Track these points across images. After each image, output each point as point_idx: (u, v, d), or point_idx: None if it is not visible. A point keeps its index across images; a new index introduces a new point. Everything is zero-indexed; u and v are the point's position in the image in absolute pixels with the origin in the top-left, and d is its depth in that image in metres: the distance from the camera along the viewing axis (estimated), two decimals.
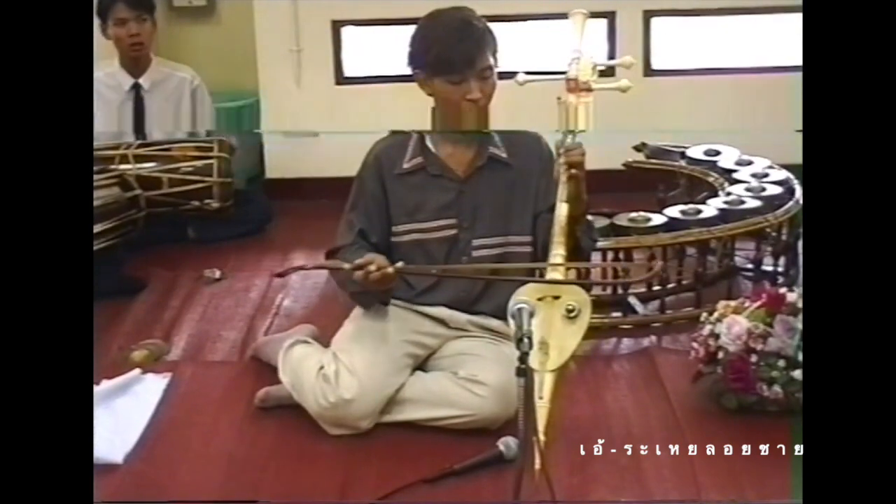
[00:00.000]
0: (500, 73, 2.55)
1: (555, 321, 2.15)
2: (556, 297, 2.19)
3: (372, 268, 2.38)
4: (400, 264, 2.43)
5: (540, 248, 2.60)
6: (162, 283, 3.61)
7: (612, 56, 4.36)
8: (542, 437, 2.02)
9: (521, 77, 2.66)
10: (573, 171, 2.40)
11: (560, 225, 2.39)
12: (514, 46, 3.76)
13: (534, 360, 2.07)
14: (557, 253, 2.36)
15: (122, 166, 3.85)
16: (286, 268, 2.77)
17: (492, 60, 2.52)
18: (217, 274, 3.66)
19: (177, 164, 3.94)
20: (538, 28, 4.44)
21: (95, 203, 3.46)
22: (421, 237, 2.63)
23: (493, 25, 2.57)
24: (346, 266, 2.42)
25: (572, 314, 2.16)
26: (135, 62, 4.00)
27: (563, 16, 2.68)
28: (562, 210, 2.41)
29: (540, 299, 2.16)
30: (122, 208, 3.71)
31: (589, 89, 2.50)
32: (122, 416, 2.65)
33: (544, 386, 2.08)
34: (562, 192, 2.42)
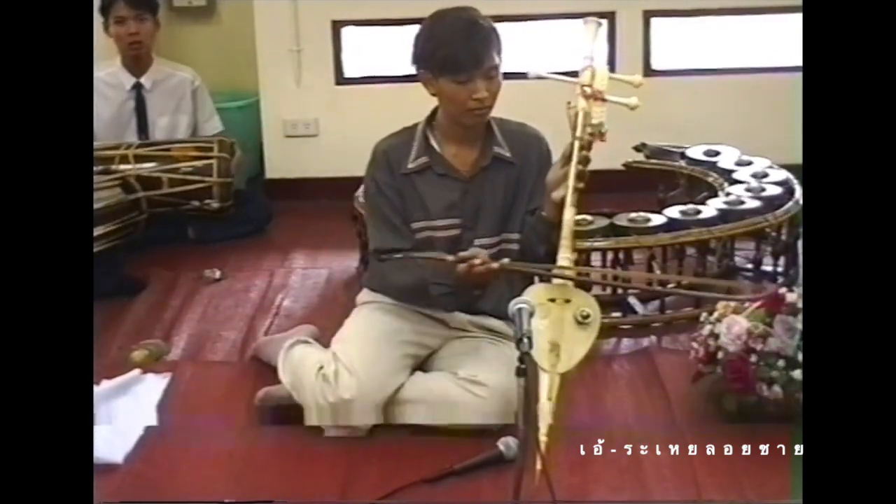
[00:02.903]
0: (506, 73, 2.54)
1: (566, 325, 2.16)
2: (568, 301, 2.19)
3: (477, 261, 2.37)
4: (506, 261, 2.41)
5: (520, 249, 2.59)
6: (162, 283, 3.61)
7: (612, 56, 4.36)
8: (544, 438, 2.03)
9: (532, 73, 2.64)
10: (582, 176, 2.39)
11: (569, 229, 2.39)
12: (516, 46, 3.76)
13: (544, 362, 2.08)
14: (565, 256, 2.36)
15: (122, 166, 3.85)
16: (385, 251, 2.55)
17: (497, 60, 2.51)
18: (217, 274, 3.66)
19: (177, 165, 3.94)
20: (538, 28, 4.44)
21: (98, 205, 3.47)
22: (431, 235, 2.62)
23: (496, 25, 2.57)
24: (450, 258, 2.40)
25: (586, 320, 2.16)
26: (136, 61, 4.00)
27: (566, 16, 2.69)
28: (569, 215, 2.40)
29: (552, 300, 2.16)
30: (125, 210, 3.71)
31: (604, 99, 2.49)
32: (122, 416, 2.66)
33: (553, 387, 2.08)
34: (570, 196, 2.41)
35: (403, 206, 2.61)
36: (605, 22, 2.73)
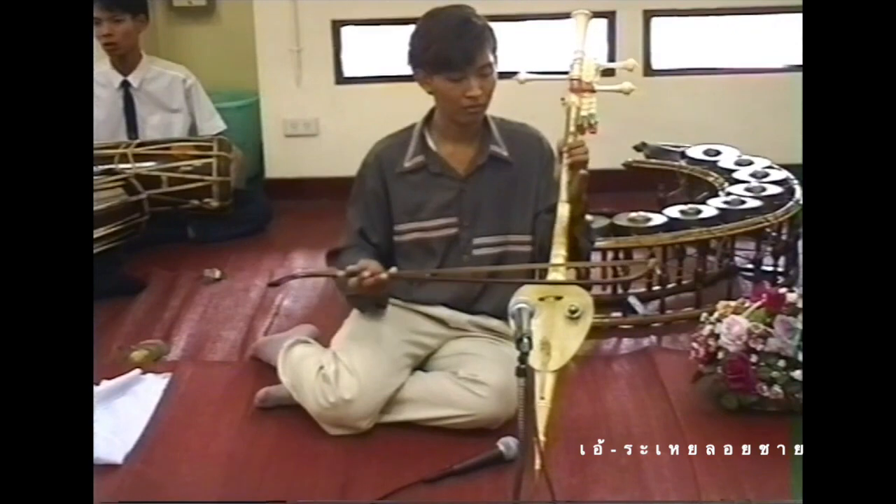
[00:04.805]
0: (501, 72, 2.55)
1: (557, 322, 2.15)
2: (559, 298, 2.19)
3: (365, 274, 2.39)
4: (393, 270, 2.43)
5: (538, 249, 2.60)
6: (162, 283, 3.61)
7: (612, 55, 4.37)
8: (542, 437, 2.02)
9: (521, 75, 2.66)
10: (580, 171, 2.40)
11: (561, 225, 2.39)
12: (514, 46, 3.76)
13: (535, 361, 2.07)
14: (558, 253, 2.36)
15: (122, 165, 3.85)
16: (281, 276, 2.68)
17: (491, 58, 2.52)
18: (217, 274, 3.66)
19: (176, 163, 3.94)
20: (538, 28, 4.44)
21: (101, 206, 3.47)
22: (422, 236, 2.63)
23: (493, 25, 2.57)
24: (340, 273, 2.42)
25: (575, 315, 2.15)
26: (121, 60, 4.01)
27: (564, 16, 2.70)
28: (563, 210, 2.41)
29: (542, 299, 2.16)
30: (127, 211, 3.71)
31: (592, 90, 2.50)
32: (122, 416, 2.65)
33: (545, 386, 2.08)
34: (564, 192, 2.42)
35: (391, 209, 2.63)
36: (591, 13, 2.73)
